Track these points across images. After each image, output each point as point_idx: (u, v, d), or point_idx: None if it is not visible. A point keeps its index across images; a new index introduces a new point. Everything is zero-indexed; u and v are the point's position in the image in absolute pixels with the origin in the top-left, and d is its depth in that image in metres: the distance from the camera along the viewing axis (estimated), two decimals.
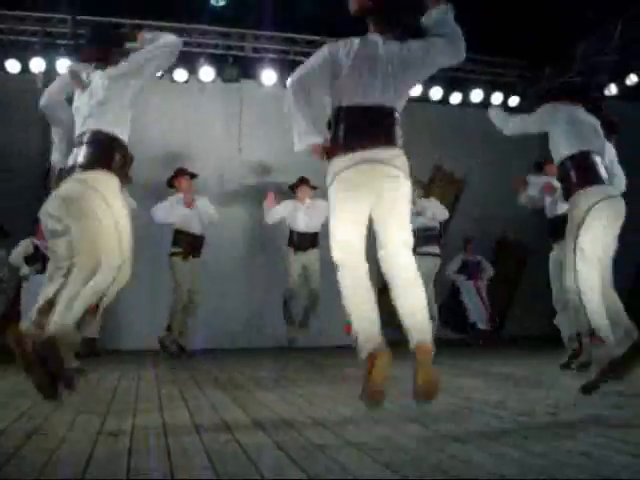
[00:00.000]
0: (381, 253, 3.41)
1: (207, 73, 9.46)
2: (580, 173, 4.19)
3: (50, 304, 4.08)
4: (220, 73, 9.59)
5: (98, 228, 3.64)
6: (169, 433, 3.19)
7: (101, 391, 4.65)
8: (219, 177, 9.51)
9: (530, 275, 10.69)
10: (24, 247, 7.65)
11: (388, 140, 3.34)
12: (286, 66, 9.61)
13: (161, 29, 9.18)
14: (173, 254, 7.37)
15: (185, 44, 9.46)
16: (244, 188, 9.69)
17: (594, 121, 4.45)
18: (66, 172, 3.84)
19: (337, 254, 3.38)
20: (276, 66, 9.61)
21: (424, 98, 10.09)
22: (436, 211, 7.69)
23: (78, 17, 8.78)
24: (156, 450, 2.85)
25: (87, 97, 3.92)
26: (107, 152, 3.77)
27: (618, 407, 3.79)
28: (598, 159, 4.28)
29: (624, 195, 4.43)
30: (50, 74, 8.64)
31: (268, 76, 9.61)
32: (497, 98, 10.61)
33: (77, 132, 3.95)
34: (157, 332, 7.49)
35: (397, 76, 3.37)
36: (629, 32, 9.02)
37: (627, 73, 9.53)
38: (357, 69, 3.34)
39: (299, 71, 3.46)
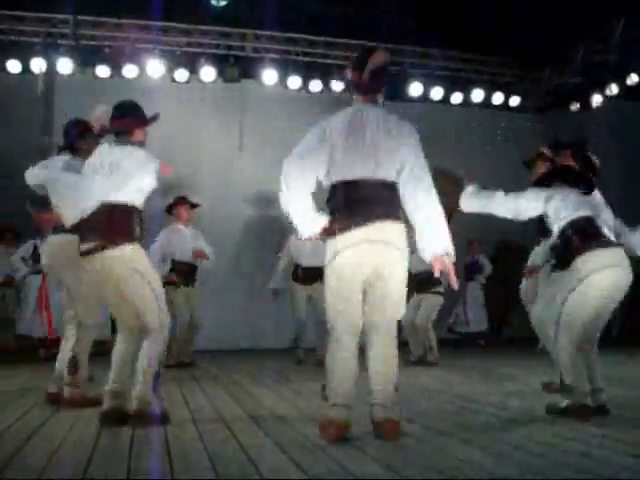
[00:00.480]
0: (365, 330, 3.30)
1: (208, 73, 9.45)
2: (582, 236, 3.84)
3: (75, 361, 4.13)
4: (221, 73, 9.58)
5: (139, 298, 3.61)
6: (170, 433, 3.20)
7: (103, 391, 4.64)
8: (220, 177, 9.51)
9: None
10: (23, 251, 7.79)
11: (388, 214, 3.22)
12: (287, 66, 9.62)
13: (162, 29, 9.25)
14: (166, 283, 7.15)
15: (186, 44, 9.55)
16: (245, 187, 9.69)
17: (588, 197, 4.09)
18: (87, 248, 3.63)
19: (335, 325, 3.27)
20: (277, 66, 9.60)
21: (425, 98, 10.09)
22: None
23: (79, 17, 8.78)
24: (156, 450, 2.86)
25: (100, 169, 3.70)
26: (129, 225, 3.64)
27: (618, 408, 3.80)
28: (600, 222, 3.93)
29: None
30: (51, 74, 8.66)
31: (269, 76, 9.60)
32: (498, 98, 10.59)
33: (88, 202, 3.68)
34: None
35: (386, 145, 3.26)
36: (629, 32, 9.01)
37: (628, 73, 9.52)
38: (352, 144, 3.23)
39: (293, 156, 3.32)
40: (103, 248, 3.52)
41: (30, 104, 8.68)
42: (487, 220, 10.25)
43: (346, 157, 3.23)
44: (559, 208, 3.94)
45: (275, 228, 8.92)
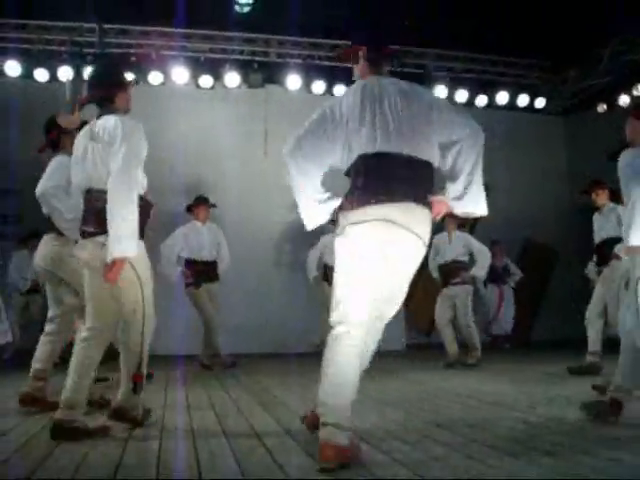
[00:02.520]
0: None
1: (232, 79, 9.51)
2: None
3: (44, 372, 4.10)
4: (245, 79, 9.64)
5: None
6: (197, 436, 3.22)
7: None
8: (245, 181, 9.54)
9: (559, 277, 10.61)
10: None
11: (415, 196, 2.91)
12: (311, 71, 9.65)
13: (186, 36, 9.34)
14: (187, 285, 7.25)
15: (210, 50, 9.62)
16: (270, 192, 9.69)
17: None
18: (83, 234, 3.39)
19: (335, 316, 2.89)
20: (301, 71, 9.64)
21: (449, 101, 10.05)
22: (484, 264, 7.53)
23: (105, 26, 8.90)
24: (184, 453, 2.88)
25: (89, 155, 3.36)
26: None
27: None
28: None
29: None
30: (78, 82, 8.76)
31: (293, 81, 9.64)
32: (523, 100, 10.53)
33: (83, 186, 3.40)
34: (187, 338, 7.53)
35: (407, 117, 2.98)
36: None
37: None
38: (369, 117, 2.95)
39: (293, 141, 3.03)
40: (97, 234, 3.28)
41: (57, 112, 8.79)
42: (512, 223, 10.22)
43: (362, 131, 2.96)
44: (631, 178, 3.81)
45: (301, 232, 8.92)
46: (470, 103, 10.25)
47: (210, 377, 6.22)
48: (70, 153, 3.63)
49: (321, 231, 7.98)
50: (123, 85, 3.57)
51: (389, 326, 3.24)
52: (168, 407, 4.24)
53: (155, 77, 9.22)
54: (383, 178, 2.91)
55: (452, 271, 7.22)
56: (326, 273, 7.60)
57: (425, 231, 2.98)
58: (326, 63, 9.73)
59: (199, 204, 7.38)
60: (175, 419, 3.79)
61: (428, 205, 2.98)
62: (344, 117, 2.99)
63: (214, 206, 7.53)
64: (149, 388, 5.09)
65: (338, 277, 2.93)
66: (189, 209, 7.44)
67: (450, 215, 3.20)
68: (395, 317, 3.22)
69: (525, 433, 3.22)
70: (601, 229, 6.09)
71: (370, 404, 4.24)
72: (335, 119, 3.00)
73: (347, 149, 3.00)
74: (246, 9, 8.53)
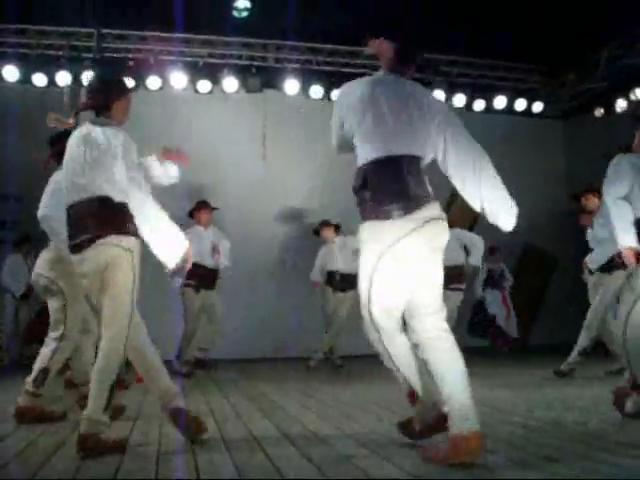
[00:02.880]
0: (413, 323, 2.94)
1: (230, 84, 9.53)
2: None
3: (45, 373, 3.94)
4: (243, 83, 9.66)
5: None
6: (196, 442, 3.21)
7: (128, 402, 4.66)
8: (244, 185, 9.54)
9: (557, 282, 10.61)
10: None
11: (429, 197, 2.90)
12: (309, 75, 9.67)
13: (185, 41, 9.35)
14: (185, 285, 7.25)
15: (208, 55, 9.63)
16: (269, 196, 9.72)
17: None
18: (79, 241, 3.24)
19: (377, 315, 2.90)
20: (299, 76, 9.66)
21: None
22: (478, 252, 7.51)
23: (103, 31, 8.91)
24: (183, 460, 2.87)
25: (83, 158, 3.26)
26: (122, 219, 3.21)
27: None
28: None
29: None
30: (76, 87, 8.77)
31: (291, 85, 9.66)
32: (521, 104, 10.54)
33: (72, 197, 3.29)
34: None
35: (418, 120, 2.92)
36: None
37: None
38: (380, 114, 2.88)
39: (334, 141, 3.13)
40: (97, 238, 3.17)
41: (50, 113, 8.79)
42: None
43: (376, 129, 2.90)
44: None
45: (300, 236, 8.96)
46: (468, 108, 10.27)
47: (209, 383, 6.22)
48: None
49: (320, 240, 8.10)
50: (121, 93, 3.46)
51: None
52: None
53: (153, 82, 9.24)
54: (415, 181, 2.87)
55: (450, 276, 7.20)
56: (330, 279, 7.78)
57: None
58: (324, 68, 9.75)
59: (200, 208, 7.39)
60: (174, 426, 3.77)
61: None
62: (358, 109, 2.95)
63: (216, 209, 7.55)
64: (148, 396, 5.10)
65: (377, 281, 2.88)
66: (191, 214, 7.45)
67: None
68: None
69: (523, 437, 3.22)
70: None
71: (369, 408, 4.24)
72: (344, 117, 3.01)
73: (357, 146, 2.97)
74: (244, 14, 8.54)
